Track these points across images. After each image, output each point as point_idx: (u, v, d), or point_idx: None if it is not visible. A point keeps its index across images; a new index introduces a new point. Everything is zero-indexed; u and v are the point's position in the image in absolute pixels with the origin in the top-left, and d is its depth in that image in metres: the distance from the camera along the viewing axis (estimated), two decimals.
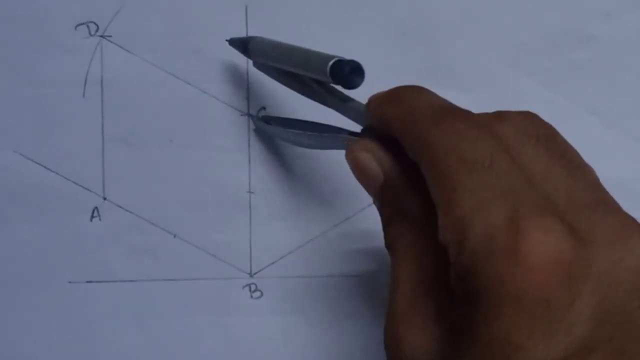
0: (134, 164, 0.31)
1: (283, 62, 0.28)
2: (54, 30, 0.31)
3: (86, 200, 0.31)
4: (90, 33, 0.31)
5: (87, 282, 0.31)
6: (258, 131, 0.31)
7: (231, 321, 0.31)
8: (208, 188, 0.31)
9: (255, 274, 0.31)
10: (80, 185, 0.31)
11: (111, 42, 0.31)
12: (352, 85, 0.24)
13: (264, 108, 0.31)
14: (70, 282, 0.31)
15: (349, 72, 0.24)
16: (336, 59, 0.24)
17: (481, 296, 0.18)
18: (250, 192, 0.31)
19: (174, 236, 0.31)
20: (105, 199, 0.31)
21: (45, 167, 0.31)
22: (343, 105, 0.26)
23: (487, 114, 0.22)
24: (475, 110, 0.22)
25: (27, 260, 0.31)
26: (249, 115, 0.31)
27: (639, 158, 0.31)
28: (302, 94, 0.28)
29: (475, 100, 0.24)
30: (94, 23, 0.31)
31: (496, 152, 0.20)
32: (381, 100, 0.24)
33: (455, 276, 0.19)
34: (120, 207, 0.31)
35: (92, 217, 0.31)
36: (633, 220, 0.20)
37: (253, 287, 0.31)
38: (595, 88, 0.31)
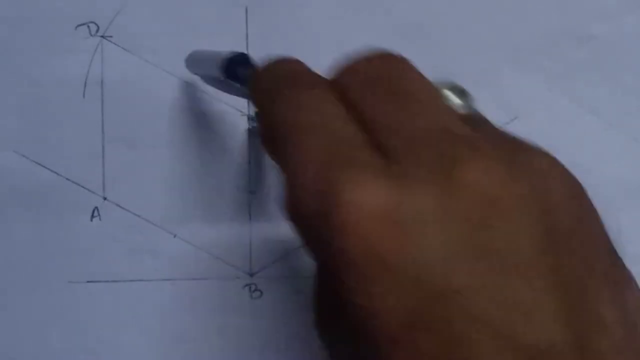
0: (134, 164, 0.31)
1: (203, 69, 0.28)
2: (55, 30, 0.31)
3: (86, 200, 0.31)
4: (90, 33, 0.31)
5: (87, 282, 0.31)
6: (252, 131, 0.31)
7: (231, 321, 0.31)
8: (208, 188, 0.31)
9: (255, 274, 0.31)
10: (80, 185, 0.31)
11: (111, 42, 0.31)
12: (240, 79, 0.24)
13: None
14: (70, 282, 0.31)
15: (230, 65, 0.24)
16: (226, 56, 0.24)
17: (323, 266, 0.18)
18: (250, 192, 0.31)
19: (174, 236, 0.31)
20: (105, 199, 0.31)
21: (45, 167, 0.31)
22: None
23: (338, 67, 0.20)
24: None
25: (27, 260, 0.31)
26: (249, 115, 0.31)
27: (639, 158, 0.31)
28: (235, 94, 0.28)
29: (475, 100, 0.24)
30: (95, 23, 0.31)
31: (323, 112, 0.19)
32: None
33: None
34: (120, 207, 0.31)
35: (92, 217, 0.31)
36: (467, 143, 0.18)
37: (253, 287, 0.31)
38: (595, 88, 0.31)
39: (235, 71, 0.24)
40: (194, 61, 0.30)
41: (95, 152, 0.31)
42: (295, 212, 0.18)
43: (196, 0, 0.31)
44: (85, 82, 0.31)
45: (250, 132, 0.31)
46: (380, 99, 0.19)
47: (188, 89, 0.31)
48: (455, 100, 0.20)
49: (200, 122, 0.31)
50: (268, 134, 0.20)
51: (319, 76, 0.21)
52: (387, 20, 0.31)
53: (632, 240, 0.30)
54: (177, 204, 0.31)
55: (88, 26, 0.31)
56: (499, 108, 0.31)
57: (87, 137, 0.31)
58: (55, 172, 0.31)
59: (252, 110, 0.31)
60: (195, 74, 0.30)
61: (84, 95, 0.31)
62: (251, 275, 0.31)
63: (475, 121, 0.20)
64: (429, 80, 0.20)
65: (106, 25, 0.31)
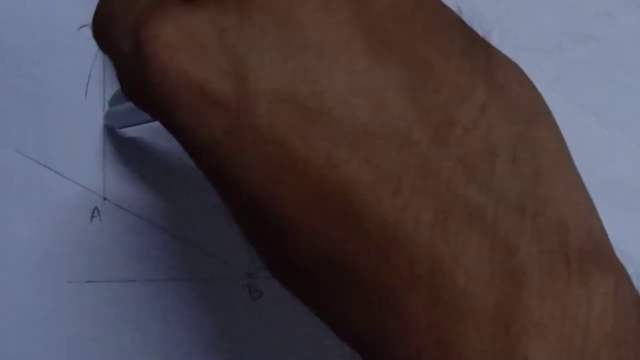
0: (134, 164, 0.31)
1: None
2: (57, 31, 0.31)
3: (86, 200, 0.31)
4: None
5: (87, 282, 0.31)
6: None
7: (231, 321, 0.31)
8: (208, 188, 0.31)
9: (254, 274, 0.31)
10: (81, 185, 0.31)
11: None
12: None
13: None
14: (70, 282, 0.31)
15: None
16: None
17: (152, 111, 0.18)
18: None
19: (174, 236, 0.31)
20: (105, 199, 0.31)
21: (45, 166, 0.31)
22: None
23: None
24: None
25: (26, 260, 0.31)
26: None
27: (639, 158, 0.31)
28: None
29: None
30: None
31: None
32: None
33: None
34: (120, 207, 0.31)
35: (92, 217, 0.31)
36: None
37: (253, 287, 0.31)
38: (595, 88, 0.31)
39: None
40: (121, 114, 0.29)
41: (95, 152, 0.31)
42: (113, 51, 0.19)
43: None
44: (87, 83, 0.31)
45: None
46: None
47: None
48: None
49: None
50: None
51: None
52: None
53: (632, 240, 0.30)
54: (177, 204, 0.31)
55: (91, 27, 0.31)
56: None
57: (88, 137, 0.31)
58: (56, 172, 0.31)
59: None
60: (124, 126, 0.30)
61: (85, 96, 0.31)
62: (251, 275, 0.31)
63: None
64: None
65: None
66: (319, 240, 0.17)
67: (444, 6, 0.19)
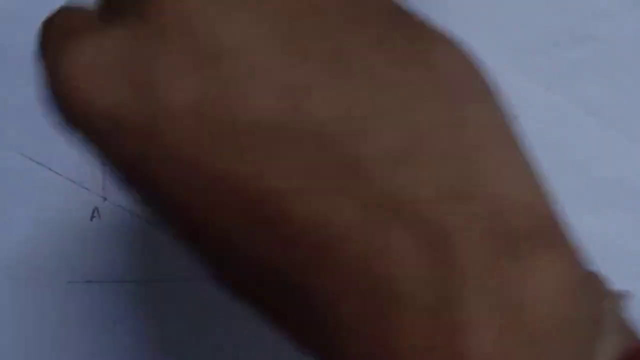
0: None
1: None
2: None
3: (86, 200, 0.31)
4: None
5: (87, 282, 0.31)
6: None
7: (230, 322, 0.31)
8: None
9: None
10: (81, 185, 0.31)
11: None
12: None
13: None
14: (70, 282, 0.31)
15: None
16: None
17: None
18: None
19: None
20: (105, 199, 0.31)
21: (46, 166, 0.31)
22: None
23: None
24: None
25: (27, 260, 0.31)
26: None
27: (639, 158, 0.31)
28: None
29: None
30: None
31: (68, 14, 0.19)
32: None
33: None
34: (120, 207, 0.31)
35: (92, 217, 0.31)
36: None
37: None
38: (594, 88, 0.31)
39: None
40: None
41: None
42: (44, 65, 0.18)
43: None
44: None
45: None
46: None
47: None
48: None
49: None
50: None
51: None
52: None
53: (632, 240, 0.30)
54: None
55: None
56: None
57: None
58: (56, 172, 0.31)
59: None
60: None
61: None
62: None
63: None
64: None
65: None
66: (257, 254, 0.16)
67: None
